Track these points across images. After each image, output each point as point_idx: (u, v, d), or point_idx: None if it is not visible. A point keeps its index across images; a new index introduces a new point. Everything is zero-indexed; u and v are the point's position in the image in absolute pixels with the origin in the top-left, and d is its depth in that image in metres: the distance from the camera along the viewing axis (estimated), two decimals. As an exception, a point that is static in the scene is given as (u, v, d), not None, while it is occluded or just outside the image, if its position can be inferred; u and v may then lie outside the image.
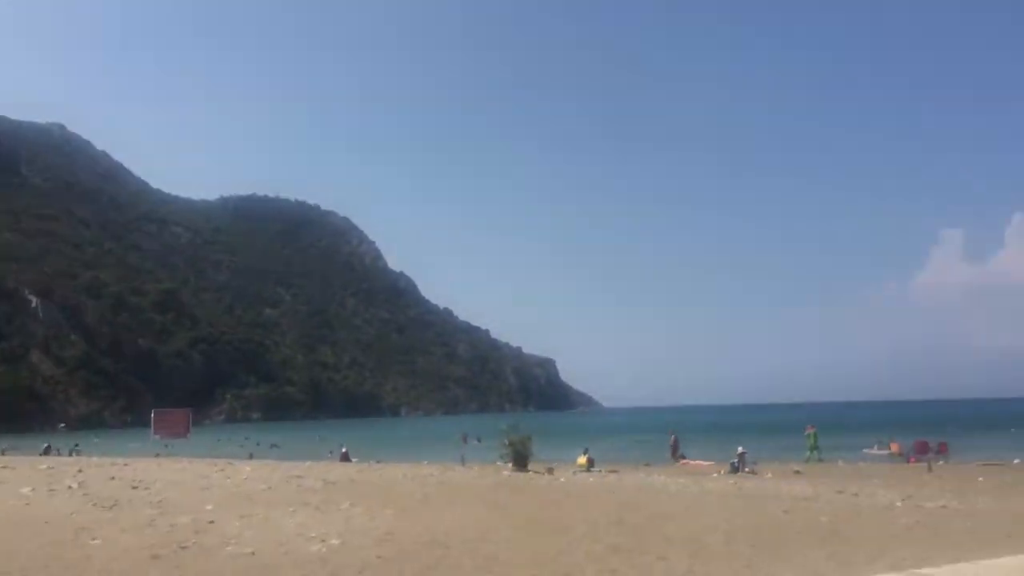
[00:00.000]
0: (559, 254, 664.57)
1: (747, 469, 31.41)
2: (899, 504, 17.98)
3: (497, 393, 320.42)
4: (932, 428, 76.98)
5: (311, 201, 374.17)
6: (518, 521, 15.38)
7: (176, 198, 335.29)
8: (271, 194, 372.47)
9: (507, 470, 29.35)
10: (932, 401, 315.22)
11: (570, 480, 25.74)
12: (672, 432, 43.49)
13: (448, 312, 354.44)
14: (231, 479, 23.08)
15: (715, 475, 30.15)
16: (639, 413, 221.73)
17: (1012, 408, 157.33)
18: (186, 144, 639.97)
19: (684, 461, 39.27)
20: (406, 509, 16.89)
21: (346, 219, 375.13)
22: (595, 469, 31.91)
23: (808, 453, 39.64)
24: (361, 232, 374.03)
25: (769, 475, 29.74)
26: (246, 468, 28.42)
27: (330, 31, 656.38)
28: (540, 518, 15.83)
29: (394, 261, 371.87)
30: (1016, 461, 37.26)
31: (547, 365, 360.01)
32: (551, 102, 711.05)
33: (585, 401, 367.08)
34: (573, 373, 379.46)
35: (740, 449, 33.12)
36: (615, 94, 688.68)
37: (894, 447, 40.47)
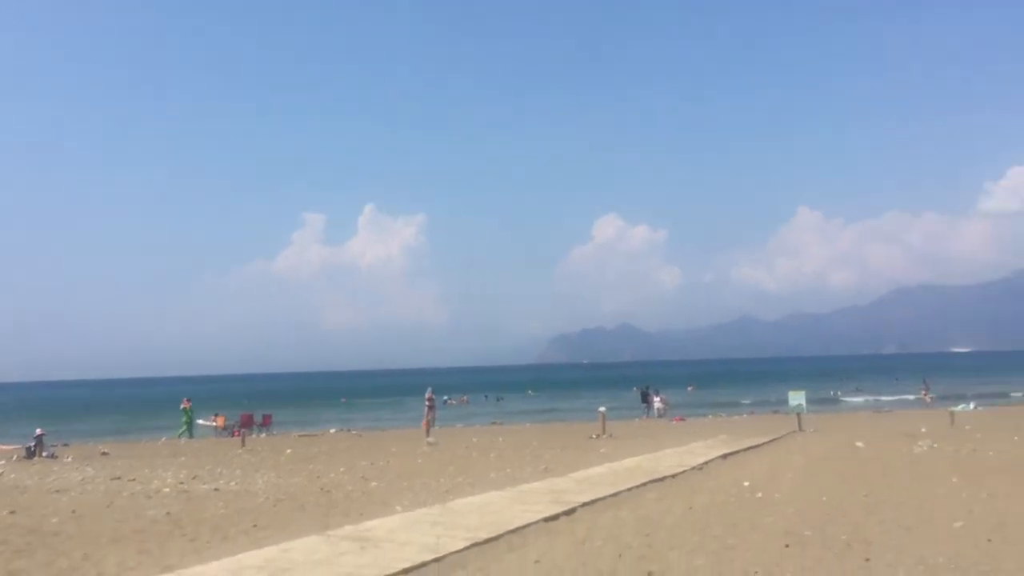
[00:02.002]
0: None
1: (46, 453, 27.86)
2: (167, 490, 16.36)
3: None
4: (273, 400, 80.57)
5: None
6: None
7: None
8: None
9: None
10: (294, 373, 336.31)
11: None
12: None
13: None
14: None
15: (3, 461, 25.96)
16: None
17: (350, 381, 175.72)
18: None
19: (-25, 447, 33.82)
20: None
21: None
22: None
23: (181, 429, 37.27)
24: None
25: (69, 458, 26.48)
26: None
27: None
28: None
29: None
30: (332, 430, 40.00)
31: None
32: None
33: None
34: None
35: (38, 431, 29.02)
36: None
37: (219, 421, 39.83)
